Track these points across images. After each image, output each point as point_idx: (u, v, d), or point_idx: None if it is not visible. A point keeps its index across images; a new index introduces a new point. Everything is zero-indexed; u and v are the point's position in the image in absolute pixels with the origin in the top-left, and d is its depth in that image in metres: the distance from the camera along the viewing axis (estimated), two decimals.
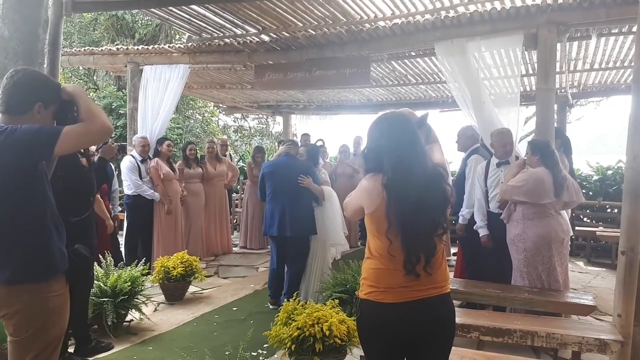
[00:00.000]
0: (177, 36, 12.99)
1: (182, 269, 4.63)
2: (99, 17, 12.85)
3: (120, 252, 5.49)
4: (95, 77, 13.78)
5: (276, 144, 12.00)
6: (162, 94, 6.23)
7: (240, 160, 10.98)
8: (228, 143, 9.56)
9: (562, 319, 3.39)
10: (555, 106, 5.86)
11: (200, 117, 14.34)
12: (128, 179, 5.57)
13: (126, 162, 5.63)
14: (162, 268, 4.66)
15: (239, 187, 9.21)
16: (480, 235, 4.11)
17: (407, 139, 1.82)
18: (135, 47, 6.74)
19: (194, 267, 4.75)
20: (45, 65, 3.92)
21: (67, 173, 2.77)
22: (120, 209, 6.21)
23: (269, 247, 4.92)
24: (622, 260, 2.81)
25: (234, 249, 7.26)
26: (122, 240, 5.71)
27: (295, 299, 3.38)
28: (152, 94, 6.25)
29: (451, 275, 3.74)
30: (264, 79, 6.19)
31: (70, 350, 3.35)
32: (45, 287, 1.85)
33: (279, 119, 12.27)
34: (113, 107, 10.98)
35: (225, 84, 8.21)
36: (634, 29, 4.35)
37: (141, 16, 12.68)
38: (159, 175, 5.70)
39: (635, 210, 2.76)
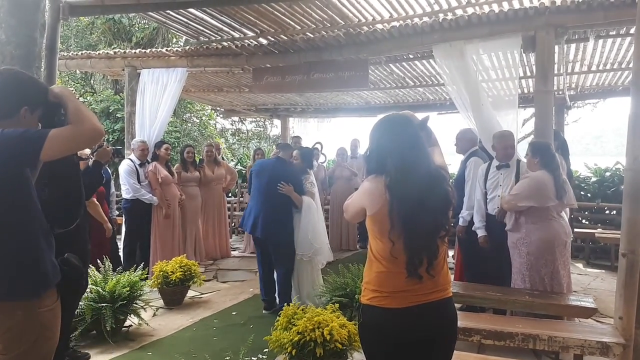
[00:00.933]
0: (175, 39, 13.00)
1: (180, 273, 4.61)
2: (96, 21, 12.86)
3: (119, 256, 5.45)
4: (92, 81, 13.75)
5: (273, 147, 11.98)
6: (159, 97, 6.22)
7: (238, 164, 10.96)
8: (225, 146, 9.53)
9: (563, 322, 3.38)
10: (553, 108, 5.87)
11: (197, 121, 14.31)
12: (126, 182, 5.55)
13: (124, 166, 5.59)
14: (161, 272, 4.64)
15: (237, 190, 9.19)
16: (477, 236, 4.13)
17: (409, 140, 1.82)
18: (133, 51, 6.74)
19: (192, 271, 4.73)
20: (42, 69, 3.90)
21: (53, 180, 2.58)
22: (117, 212, 6.17)
23: None
24: (623, 262, 2.82)
25: (233, 252, 7.22)
26: (120, 244, 5.69)
27: (295, 303, 3.36)
28: (150, 97, 6.25)
29: (451, 277, 3.72)
30: (262, 82, 6.19)
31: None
32: (38, 302, 1.74)
33: (277, 122, 12.26)
34: (110, 110, 10.97)
35: (223, 87, 8.20)
36: (632, 30, 4.37)
37: (138, 20, 12.69)
38: (157, 179, 5.68)
39: (636, 212, 2.76)
